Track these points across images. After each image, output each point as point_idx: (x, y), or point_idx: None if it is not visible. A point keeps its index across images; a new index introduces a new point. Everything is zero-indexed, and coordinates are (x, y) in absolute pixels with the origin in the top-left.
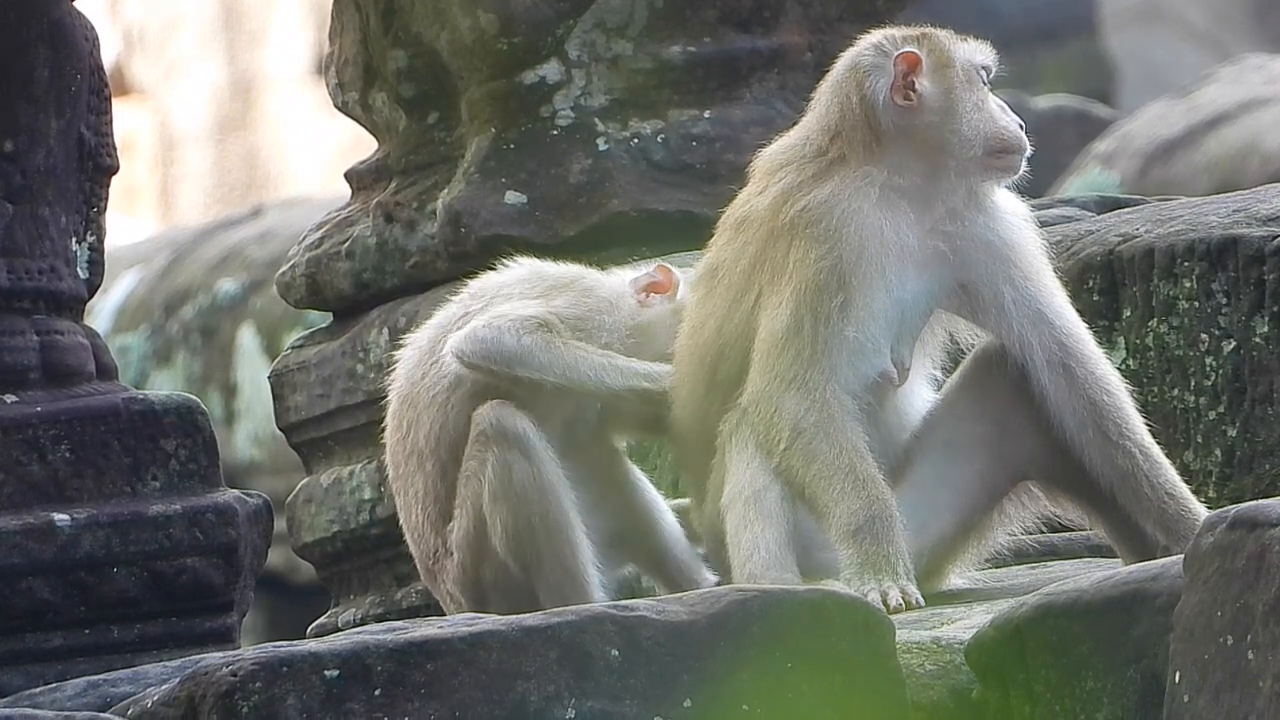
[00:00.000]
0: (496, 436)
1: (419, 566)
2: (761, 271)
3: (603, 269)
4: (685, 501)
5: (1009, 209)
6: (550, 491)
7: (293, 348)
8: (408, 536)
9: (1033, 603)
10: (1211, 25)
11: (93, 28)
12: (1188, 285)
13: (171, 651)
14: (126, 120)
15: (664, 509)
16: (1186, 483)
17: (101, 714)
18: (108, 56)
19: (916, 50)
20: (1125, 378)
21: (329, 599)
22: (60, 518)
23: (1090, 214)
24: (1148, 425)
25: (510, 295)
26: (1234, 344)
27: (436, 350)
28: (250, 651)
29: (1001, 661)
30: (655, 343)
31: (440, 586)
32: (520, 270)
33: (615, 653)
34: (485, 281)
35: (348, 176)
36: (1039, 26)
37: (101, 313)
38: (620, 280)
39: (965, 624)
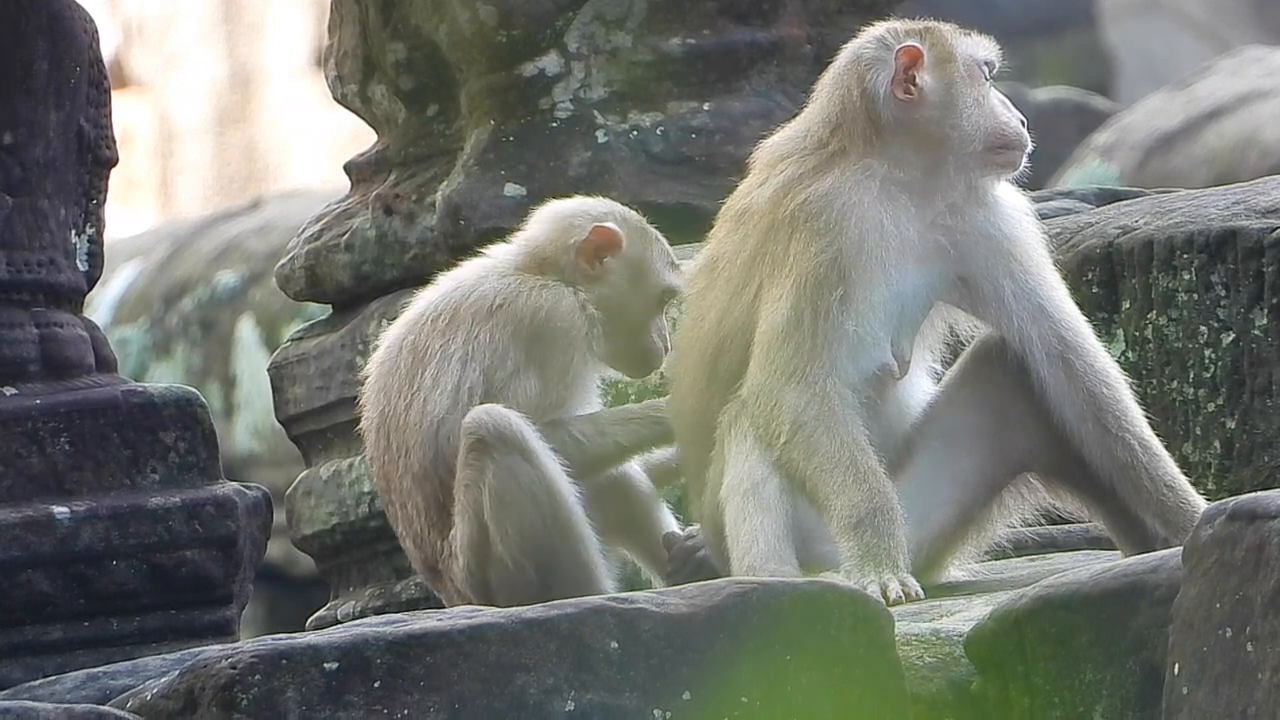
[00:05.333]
0: (495, 443)
1: (421, 568)
2: (762, 264)
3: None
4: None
5: (1009, 202)
6: (556, 490)
7: (292, 340)
8: (407, 542)
9: (1032, 595)
10: (1210, 17)
11: (92, 20)
12: (1187, 277)
13: (171, 644)
14: (126, 113)
15: (658, 501)
16: (1186, 475)
17: (101, 706)
18: (107, 49)
19: (918, 44)
20: (1124, 370)
21: (328, 591)
22: (59, 510)
23: (1089, 206)
24: (1147, 417)
25: (502, 369)
26: (1233, 336)
27: (413, 378)
28: (249, 644)
29: (1000, 654)
30: (629, 307)
31: (447, 586)
32: (485, 321)
33: (614, 645)
34: (453, 302)
35: (347, 169)
36: (1038, 19)
37: (101, 305)
38: (562, 292)
39: (964, 616)
